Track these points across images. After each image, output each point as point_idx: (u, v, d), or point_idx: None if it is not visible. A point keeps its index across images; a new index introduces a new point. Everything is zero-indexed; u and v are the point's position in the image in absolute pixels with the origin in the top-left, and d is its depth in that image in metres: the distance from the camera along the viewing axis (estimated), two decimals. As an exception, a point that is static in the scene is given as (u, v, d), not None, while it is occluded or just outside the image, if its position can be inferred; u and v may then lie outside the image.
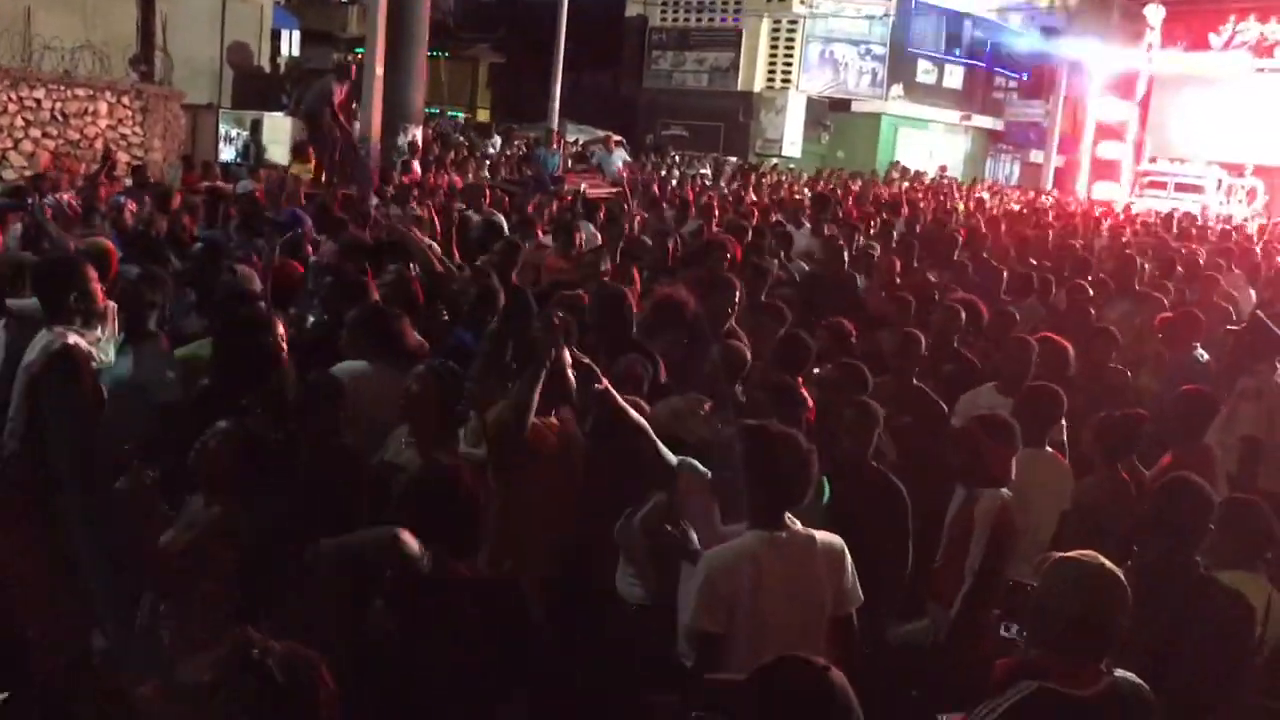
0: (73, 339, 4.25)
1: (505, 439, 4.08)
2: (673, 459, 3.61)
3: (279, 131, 17.23)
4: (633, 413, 3.84)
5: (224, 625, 2.47)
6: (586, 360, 3.95)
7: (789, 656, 2.32)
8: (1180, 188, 24.90)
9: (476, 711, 3.11)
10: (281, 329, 4.60)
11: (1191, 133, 26.66)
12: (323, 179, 15.55)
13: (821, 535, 3.38)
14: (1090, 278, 8.73)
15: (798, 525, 3.36)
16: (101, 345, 4.53)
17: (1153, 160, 27.00)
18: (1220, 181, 24.81)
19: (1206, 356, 6.93)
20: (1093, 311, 7.73)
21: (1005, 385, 5.45)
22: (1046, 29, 32.21)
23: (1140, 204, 22.94)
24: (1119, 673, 2.70)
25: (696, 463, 3.68)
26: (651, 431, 3.77)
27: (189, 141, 16.12)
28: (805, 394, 4.65)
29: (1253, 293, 10.02)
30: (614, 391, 3.87)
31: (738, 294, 6.08)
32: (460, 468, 3.44)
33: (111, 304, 4.73)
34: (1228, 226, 17.03)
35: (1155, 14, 27.42)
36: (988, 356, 6.31)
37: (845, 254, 8.63)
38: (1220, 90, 26.23)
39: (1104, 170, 27.48)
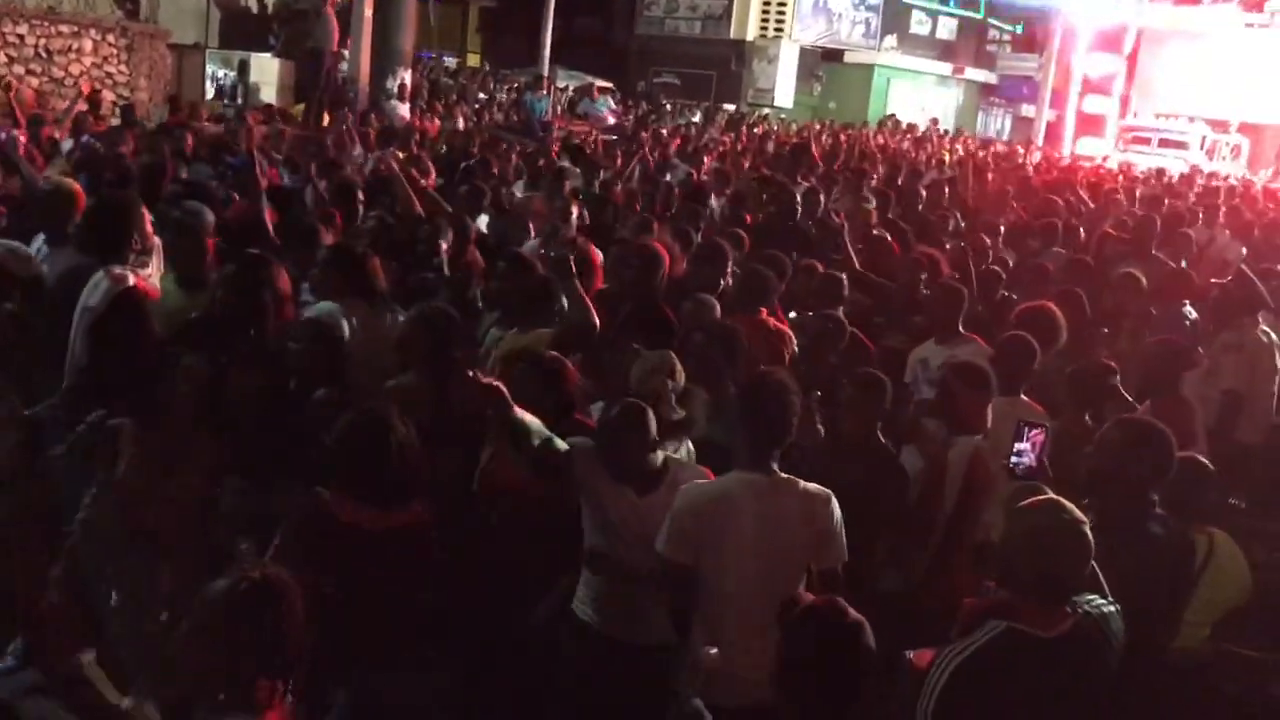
0: (132, 279, 4.39)
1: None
2: (563, 446, 3.57)
3: (267, 72, 17.07)
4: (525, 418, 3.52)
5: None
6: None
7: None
8: (1164, 143, 24.77)
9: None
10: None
11: (1178, 88, 26.54)
12: (310, 118, 15.49)
13: (806, 485, 3.42)
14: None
15: (780, 473, 3.40)
16: (154, 282, 4.72)
17: (1136, 115, 26.88)
18: (1204, 138, 24.74)
19: (1195, 315, 6.97)
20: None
21: (941, 335, 5.43)
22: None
23: (1121, 158, 22.86)
24: (1088, 603, 2.79)
25: (584, 439, 3.62)
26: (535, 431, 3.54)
27: (175, 81, 15.96)
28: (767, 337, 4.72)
29: (1244, 250, 10.06)
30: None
31: (730, 262, 6.11)
32: (389, 418, 3.34)
33: (158, 239, 4.88)
34: (1221, 183, 17.01)
35: (1145, -34, 27.34)
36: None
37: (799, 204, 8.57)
38: (1208, 45, 26.06)
39: (1090, 125, 27.40)
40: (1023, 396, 4.78)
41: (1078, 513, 2.78)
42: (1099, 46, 27.36)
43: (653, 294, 5.25)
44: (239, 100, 16.56)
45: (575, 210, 7.28)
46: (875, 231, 8.00)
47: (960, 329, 5.41)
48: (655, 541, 3.36)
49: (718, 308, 5.10)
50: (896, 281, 6.45)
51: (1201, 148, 24.56)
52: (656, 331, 4.65)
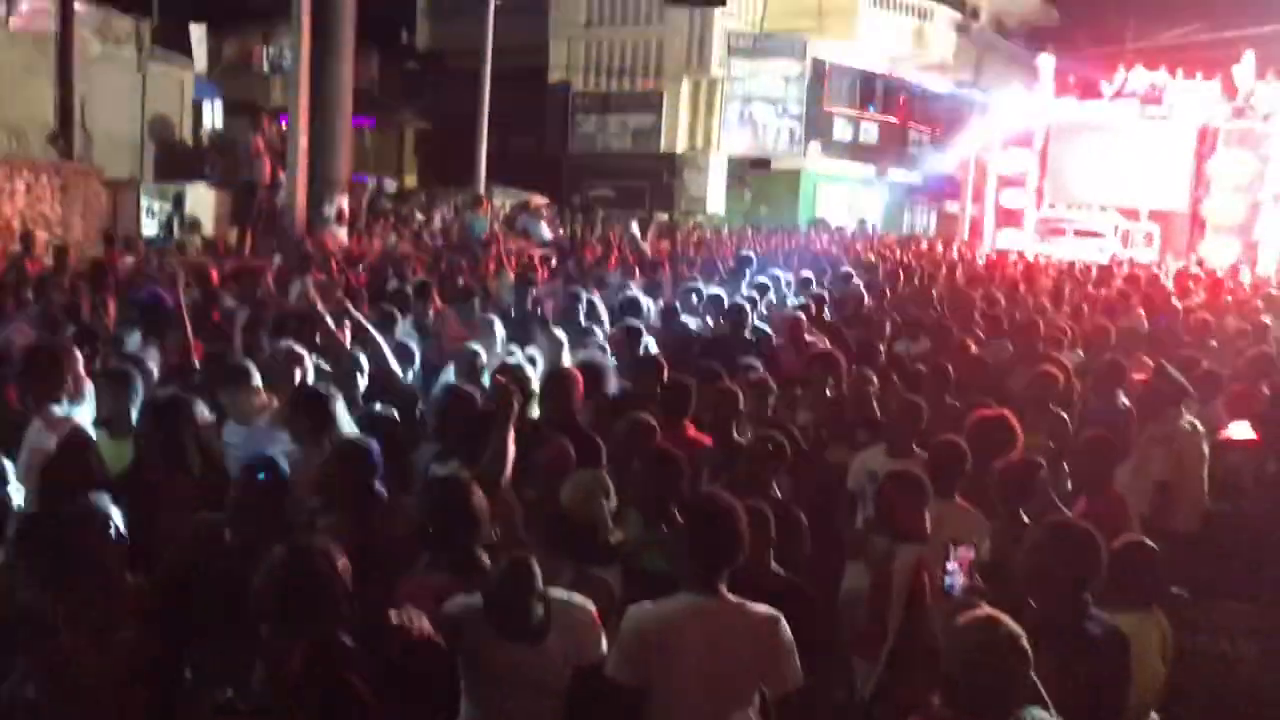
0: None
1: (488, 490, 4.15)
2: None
3: (203, 203, 17.20)
4: None
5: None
6: None
7: None
8: (1080, 234, 25.66)
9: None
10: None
11: (1088, 180, 27.52)
12: (245, 247, 15.58)
13: (755, 607, 3.42)
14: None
15: (729, 595, 3.42)
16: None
17: (1052, 206, 27.84)
18: (1117, 227, 25.65)
19: (1127, 403, 7.19)
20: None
21: (893, 447, 5.49)
22: (956, 85, 33.36)
23: (1038, 248, 23.68)
24: (1030, 716, 2.84)
25: (468, 600, 3.48)
26: None
27: (110, 217, 16.00)
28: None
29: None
30: None
31: (664, 370, 6.25)
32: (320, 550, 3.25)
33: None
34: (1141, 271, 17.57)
35: (1046, 64, 28.57)
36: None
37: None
38: (1113, 137, 27.16)
39: (1009, 218, 28.30)
40: (958, 499, 4.90)
41: (1014, 626, 2.87)
42: (1012, 142, 28.40)
43: (569, 417, 5.30)
44: (175, 232, 16.64)
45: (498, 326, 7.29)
46: (809, 336, 8.19)
47: (914, 446, 5.44)
48: (605, 666, 3.36)
49: (656, 429, 5.12)
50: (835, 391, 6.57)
51: (1115, 235, 25.48)
52: (581, 455, 4.68)
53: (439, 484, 4.01)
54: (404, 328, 7.65)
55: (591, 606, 3.54)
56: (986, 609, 3.02)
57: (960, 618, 2.98)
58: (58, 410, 4.64)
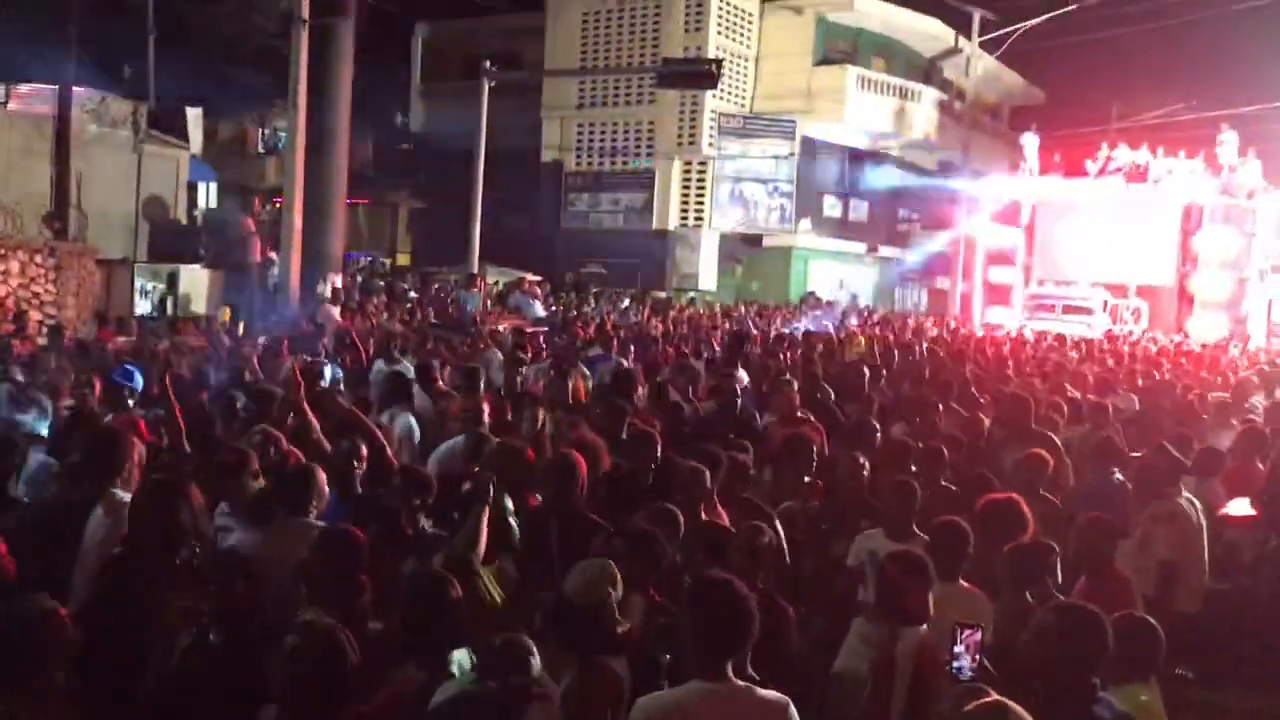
0: None
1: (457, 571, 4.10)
2: None
3: (196, 283, 17.26)
4: None
5: None
6: None
7: None
8: (1068, 309, 25.86)
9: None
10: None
11: (1075, 256, 27.84)
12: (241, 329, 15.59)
13: (764, 692, 3.38)
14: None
15: (737, 680, 3.37)
16: None
17: (1040, 283, 28.07)
18: (1106, 303, 25.85)
19: (1121, 478, 7.16)
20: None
21: (892, 529, 5.43)
22: (943, 163, 33.86)
23: (1031, 326, 23.85)
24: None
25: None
26: None
27: (104, 297, 16.02)
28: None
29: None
30: None
31: (657, 448, 6.23)
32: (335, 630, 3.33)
33: None
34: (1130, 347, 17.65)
35: (1031, 143, 29.06)
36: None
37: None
38: (1100, 214, 27.54)
39: (998, 295, 28.54)
40: (962, 582, 4.84)
41: (1022, 713, 2.81)
42: (999, 220, 28.77)
43: (575, 505, 5.25)
44: (168, 311, 16.68)
45: (487, 408, 7.22)
46: (800, 413, 8.16)
47: (914, 527, 5.40)
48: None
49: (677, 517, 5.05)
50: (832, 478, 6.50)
51: (1104, 311, 25.67)
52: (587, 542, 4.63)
53: (415, 579, 3.95)
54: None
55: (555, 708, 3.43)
56: (994, 695, 2.96)
57: (968, 704, 2.92)
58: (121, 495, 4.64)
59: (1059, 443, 7.79)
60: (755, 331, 17.00)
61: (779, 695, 3.40)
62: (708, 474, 5.52)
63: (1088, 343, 17.63)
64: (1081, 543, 5.24)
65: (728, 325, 18.58)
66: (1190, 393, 11.00)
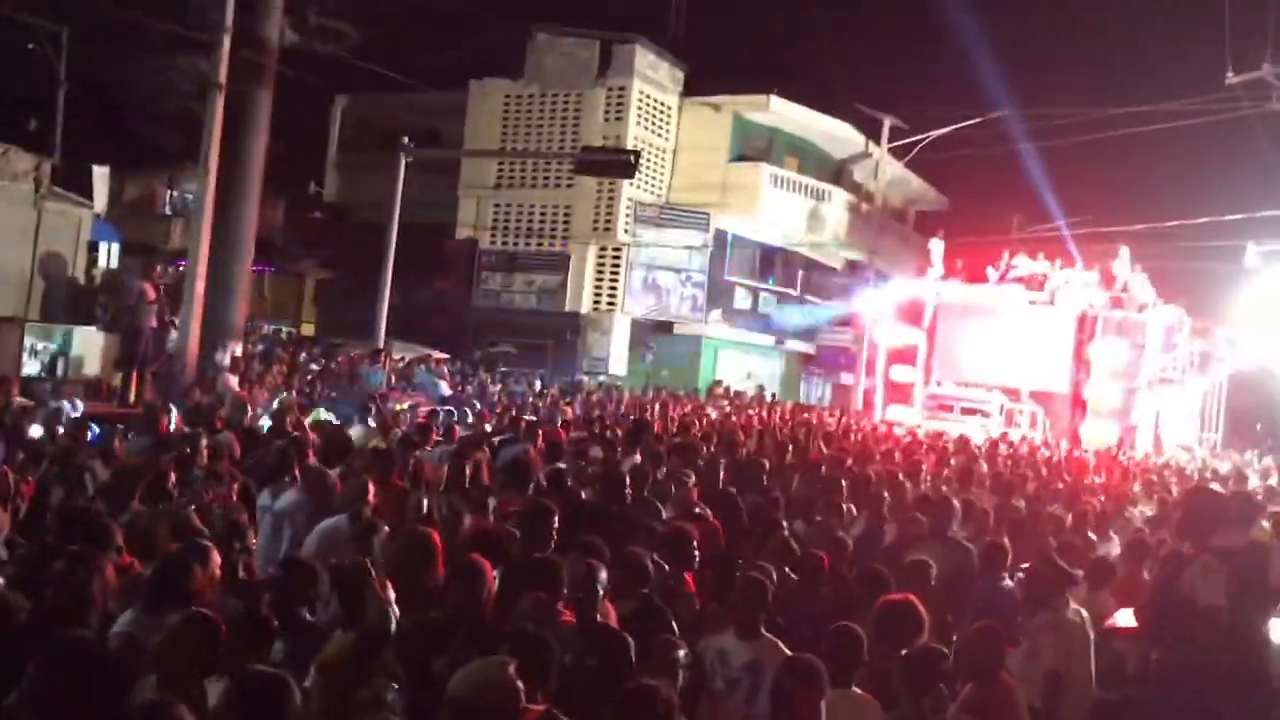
0: None
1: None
2: None
3: (91, 345, 16.68)
4: None
5: None
6: None
7: None
8: (966, 411, 26.46)
9: None
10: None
11: (975, 359, 28.59)
12: (131, 395, 15.10)
13: None
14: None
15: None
16: None
17: (939, 384, 28.70)
18: (1002, 406, 26.52)
19: (1011, 584, 7.24)
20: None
21: (741, 628, 5.37)
22: (850, 262, 34.73)
23: (926, 424, 24.38)
24: None
25: None
26: None
27: (-11, 355, 15.41)
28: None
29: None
30: None
31: (554, 520, 6.17)
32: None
33: None
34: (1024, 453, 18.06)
35: (936, 248, 30.00)
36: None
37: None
38: (999, 320, 28.41)
39: (899, 393, 29.10)
40: (855, 689, 4.82)
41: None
42: (902, 320, 29.47)
43: (480, 612, 5.13)
44: (58, 373, 16.07)
45: (371, 492, 7.05)
46: (697, 509, 8.11)
47: (761, 628, 5.34)
48: None
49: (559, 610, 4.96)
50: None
51: (1000, 414, 26.31)
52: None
53: (245, 680, 3.63)
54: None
55: None
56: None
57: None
58: None
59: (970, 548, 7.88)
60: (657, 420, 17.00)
61: None
62: (601, 570, 5.43)
63: (990, 444, 18.02)
64: (971, 649, 5.26)
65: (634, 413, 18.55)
66: (1081, 500, 11.26)
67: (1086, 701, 6.29)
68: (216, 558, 5.04)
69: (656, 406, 20.15)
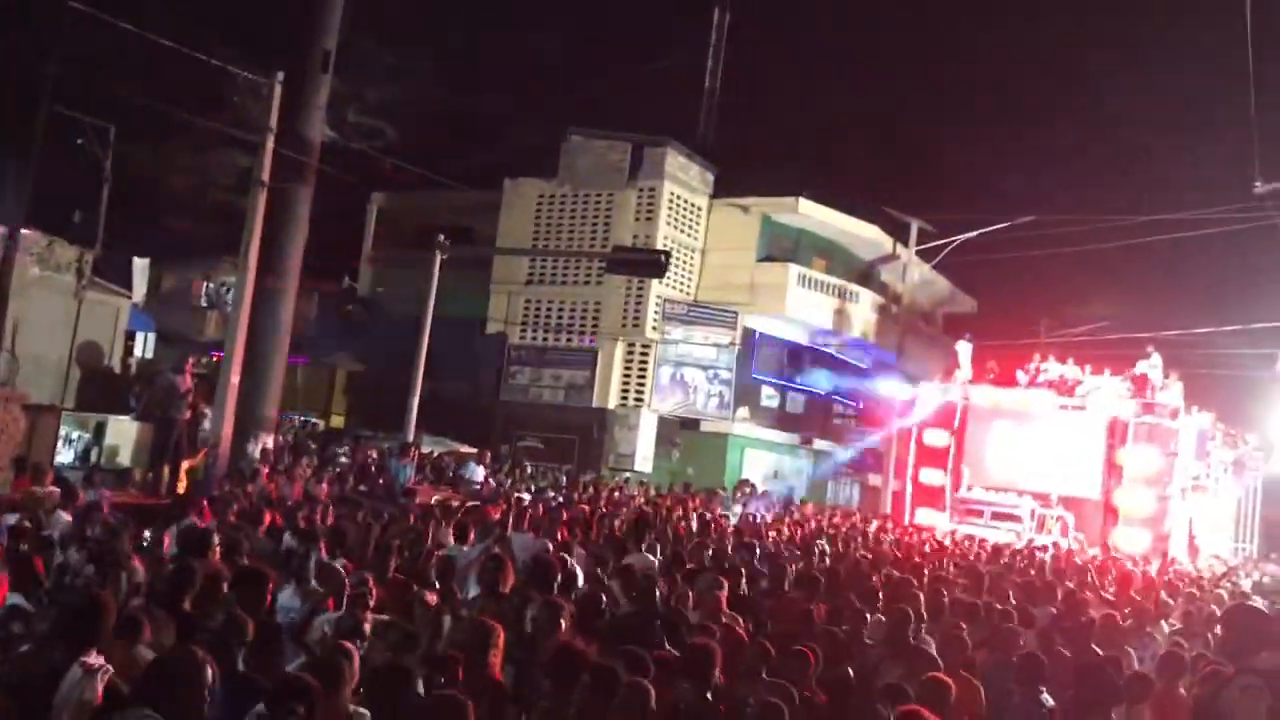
0: None
1: None
2: None
3: (125, 434, 16.83)
4: None
5: None
6: None
7: None
8: (996, 516, 26.06)
9: None
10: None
11: (1005, 463, 28.27)
12: (166, 487, 15.19)
13: None
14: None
15: None
16: None
17: (969, 489, 28.31)
18: (1034, 512, 26.12)
19: (1052, 702, 7.08)
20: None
21: None
22: (878, 363, 34.71)
23: (963, 530, 24.05)
24: None
25: None
26: None
27: (25, 443, 15.55)
28: None
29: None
30: None
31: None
32: None
33: None
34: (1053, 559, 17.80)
35: (964, 350, 29.86)
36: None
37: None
38: (1029, 424, 28.16)
39: (928, 496, 28.73)
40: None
41: None
42: (932, 423, 29.23)
43: None
44: (92, 461, 16.20)
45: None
46: (725, 618, 7.98)
47: None
48: None
49: None
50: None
51: (1031, 519, 25.91)
52: None
53: None
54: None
55: None
56: None
57: None
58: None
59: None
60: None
61: None
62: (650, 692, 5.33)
63: (1028, 552, 17.77)
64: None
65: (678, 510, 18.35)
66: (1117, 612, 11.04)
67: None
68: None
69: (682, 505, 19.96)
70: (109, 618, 4.95)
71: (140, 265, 23.88)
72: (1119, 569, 17.21)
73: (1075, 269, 37.32)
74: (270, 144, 17.04)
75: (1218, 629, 8.48)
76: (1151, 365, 27.30)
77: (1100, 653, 8.31)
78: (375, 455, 21.86)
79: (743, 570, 10.36)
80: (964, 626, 8.58)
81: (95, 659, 4.69)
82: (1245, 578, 20.86)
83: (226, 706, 4.76)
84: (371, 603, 6.93)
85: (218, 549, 8.07)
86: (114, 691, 4.57)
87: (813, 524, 20.42)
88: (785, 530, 17.85)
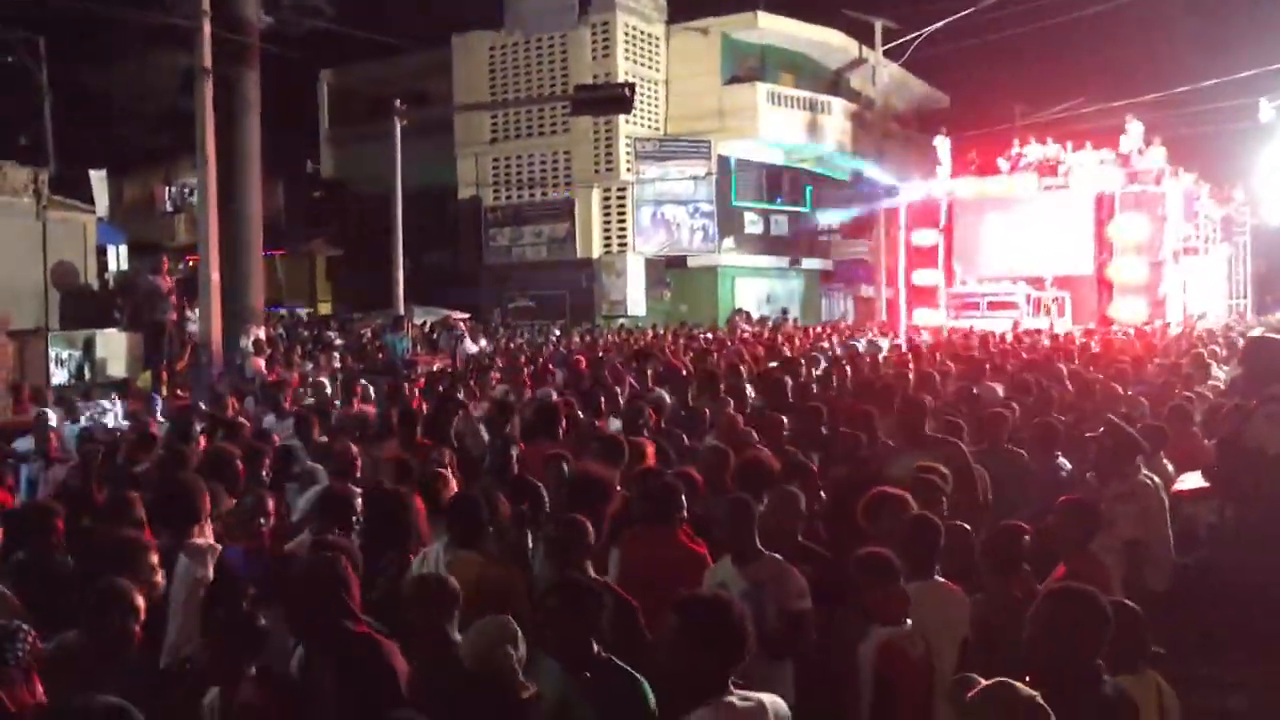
0: None
1: None
2: None
3: (114, 347, 16.70)
4: None
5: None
6: None
7: None
8: (993, 306, 26.10)
9: None
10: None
11: (995, 253, 28.18)
12: (162, 389, 15.10)
13: (770, 701, 3.33)
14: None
15: (741, 693, 3.30)
16: None
17: (963, 283, 28.32)
18: (1029, 296, 26.16)
19: (1069, 466, 7.12)
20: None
21: (737, 555, 4.88)
22: (857, 172, 34.25)
23: (953, 324, 24.20)
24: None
25: None
26: None
27: (17, 369, 15.40)
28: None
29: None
30: None
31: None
32: None
33: None
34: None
35: (943, 145, 29.43)
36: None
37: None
38: (1015, 210, 27.96)
39: (923, 297, 28.72)
40: (938, 578, 4.73)
41: (1025, 690, 2.74)
42: (917, 223, 29.02)
43: None
44: (86, 378, 16.11)
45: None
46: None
47: (759, 545, 4.88)
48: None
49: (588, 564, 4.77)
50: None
51: (1028, 304, 25.98)
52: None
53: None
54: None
55: None
56: (995, 679, 2.86)
57: (971, 692, 2.82)
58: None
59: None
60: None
61: (783, 706, 3.40)
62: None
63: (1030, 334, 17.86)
64: (1061, 525, 5.10)
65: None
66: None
67: (1167, 568, 6.13)
68: None
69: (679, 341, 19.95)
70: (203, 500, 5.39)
71: (97, 177, 23.29)
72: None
73: (1045, 47, 36.55)
74: (207, 28, 16.37)
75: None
76: (1131, 133, 26.98)
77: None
78: (369, 333, 21.77)
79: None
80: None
81: (201, 539, 5.18)
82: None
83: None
84: None
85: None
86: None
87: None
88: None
